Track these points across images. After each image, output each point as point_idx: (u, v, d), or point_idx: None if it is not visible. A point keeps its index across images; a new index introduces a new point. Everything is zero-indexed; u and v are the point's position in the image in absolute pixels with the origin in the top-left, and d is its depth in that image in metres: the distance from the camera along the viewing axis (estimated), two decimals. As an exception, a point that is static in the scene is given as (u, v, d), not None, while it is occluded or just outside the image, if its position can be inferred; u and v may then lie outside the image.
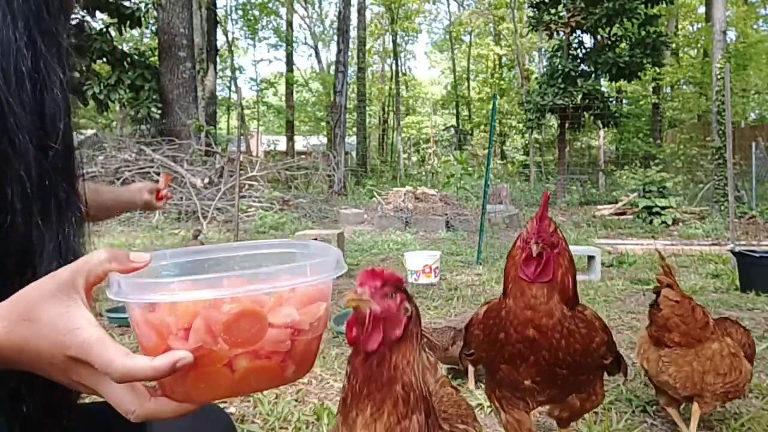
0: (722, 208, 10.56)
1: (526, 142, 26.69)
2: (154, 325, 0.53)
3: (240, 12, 30.59)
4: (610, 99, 16.25)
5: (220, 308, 0.53)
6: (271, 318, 0.54)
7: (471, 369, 2.52)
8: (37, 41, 0.67)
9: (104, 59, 12.34)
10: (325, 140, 26.70)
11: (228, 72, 30.93)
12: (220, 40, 27.19)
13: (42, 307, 0.52)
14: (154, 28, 16.03)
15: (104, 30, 12.27)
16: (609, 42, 14.18)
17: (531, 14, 15.86)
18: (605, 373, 1.56)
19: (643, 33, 13.83)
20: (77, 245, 0.72)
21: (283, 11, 29.80)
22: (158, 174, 10.80)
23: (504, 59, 33.56)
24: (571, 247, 5.01)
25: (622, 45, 14.06)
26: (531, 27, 15.84)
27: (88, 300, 0.55)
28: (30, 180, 0.64)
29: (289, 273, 0.57)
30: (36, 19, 0.67)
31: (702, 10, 24.54)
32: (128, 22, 12.36)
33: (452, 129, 33.92)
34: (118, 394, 0.54)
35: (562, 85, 14.06)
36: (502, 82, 32.55)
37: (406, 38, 37.50)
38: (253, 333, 0.53)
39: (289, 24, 29.33)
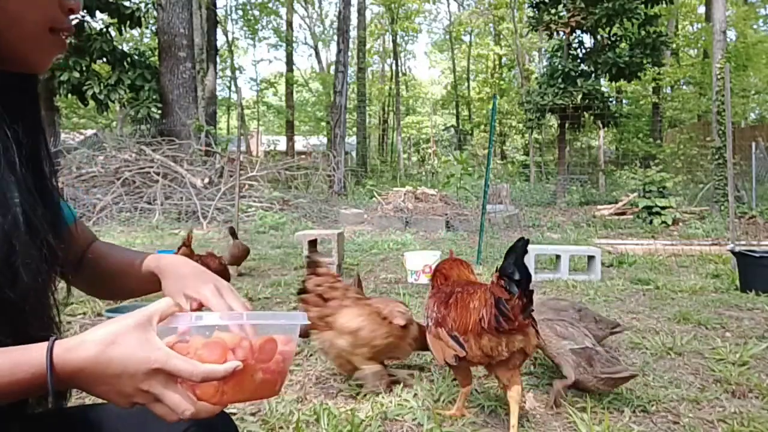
0: (722, 208, 10.56)
1: (526, 142, 26.69)
2: (219, 343, 0.75)
3: (240, 12, 30.65)
4: (610, 99, 16.24)
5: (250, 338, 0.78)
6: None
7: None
8: None
9: (104, 59, 12.35)
10: (325, 140, 26.70)
11: (228, 72, 30.98)
12: (220, 40, 27.25)
13: (127, 335, 0.69)
14: (154, 28, 16.04)
15: (104, 30, 12.27)
16: (609, 42, 14.17)
17: (531, 14, 15.84)
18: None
19: (643, 33, 13.83)
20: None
21: (283, 11, 29.83)
22: (158, 174, 10.81)
23: (504, 59, 33.56)
24: (571, 247, 5.05)
25: (622, 45, 14.05)
26: (531, 27, 15.81)
27: None
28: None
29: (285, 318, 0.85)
30: None
31: (702, 10, 24.55)
32: (128, 22, 12.37)
33: (452, 129, 33.92)
34: (176, 399, 0.70)
35: (562, 85, 14.05)
36: (502, 82, 32.54)
37: (406, 38, 37.51)
38: (269, 354, 0.78)
39: (289, 24, 29.33)
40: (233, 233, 5.10)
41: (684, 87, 25.91)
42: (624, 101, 24.01)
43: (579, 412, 2.13)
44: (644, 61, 13.79)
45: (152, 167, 10.98)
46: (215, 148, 12.50)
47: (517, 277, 1.69)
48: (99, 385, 0.68)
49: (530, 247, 5.15)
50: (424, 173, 24.59)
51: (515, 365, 1.88)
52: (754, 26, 26.10)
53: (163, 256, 1.03)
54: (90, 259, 1.05)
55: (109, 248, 1.11)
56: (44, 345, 0.66)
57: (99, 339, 0.68)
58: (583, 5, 13.57)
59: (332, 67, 24.03)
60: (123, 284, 1.07)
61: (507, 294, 1.70)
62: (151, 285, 1.02)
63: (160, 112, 12.46)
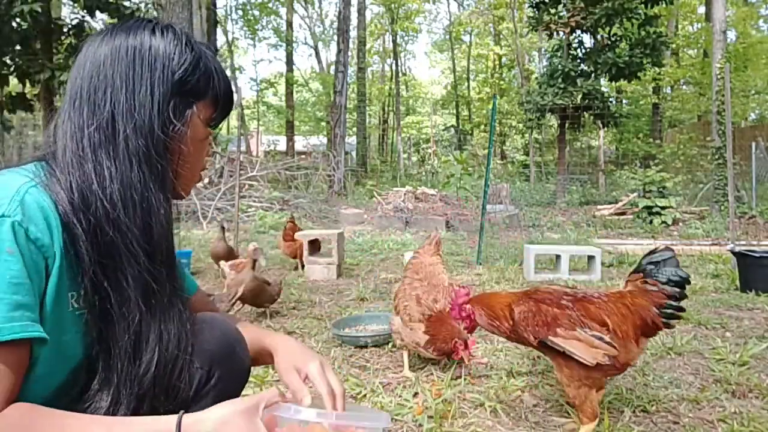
0: (722, 208, 10.55)
1: (526, 142, 26.70)
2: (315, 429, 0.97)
3: (240, 12, 30.60)
4: (610, 99, 16.23)
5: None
6: None
7: (405, 355, 2.71)
8: (145, 174, 0.94)
9: (104, 59, 12.32)
10: (325, 140, 26.68)
11: (228, 72, 30.84)
12: (220, 40, 27.23)
13: (237, 417, 0.86)
14: (154, 28, 16.02)
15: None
16: (609, 42, 14.16)
17: (531, 14, 15.84)
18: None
19: (643, 33, 13.81)
20: (177, 336, 1.02)
21: (283, 11, 29.80)
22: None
23: (504, 59, 33.56)
24: (571, 247, 5.04)
25: (622, 45, 14.04)
26: (531, 27, 15.80)
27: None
28: (139, 283, 0.93)
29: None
30: (146, 158, 0.94)
31: (702, 10, 24.53)
32: (128, 22, 12.35)
33: (452, 129, 33.92)
34: None
35: (562, 85, 14.04)
36: (502, 82, 32.55)
37: (406, 38, 37.52)
38: None
39: (289, 24, 29.31)
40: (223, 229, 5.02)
41: (684, 87, 25.89)
42: (624, 101, 24.01)
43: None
44: (644, 61, 13.78)
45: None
46: (215, 148, 12.49)
47: (680, 286, 1.94)
48: None
49: (530, 246, 5.17)
50: (424, 173, 24.58)
51: None
52: (755, 26, 26.10)
53: (270, 333, 1.24)
54: None
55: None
56: (174, 417, 0.84)
57: (216, 417, 0.85)
58: (583, 5, 13.57)
59: (332, 67, 24.03)
60: None
61: (667, 299, 1.93)
62: (263, 359, 1.22)
63: (160, 112, 12.45)
